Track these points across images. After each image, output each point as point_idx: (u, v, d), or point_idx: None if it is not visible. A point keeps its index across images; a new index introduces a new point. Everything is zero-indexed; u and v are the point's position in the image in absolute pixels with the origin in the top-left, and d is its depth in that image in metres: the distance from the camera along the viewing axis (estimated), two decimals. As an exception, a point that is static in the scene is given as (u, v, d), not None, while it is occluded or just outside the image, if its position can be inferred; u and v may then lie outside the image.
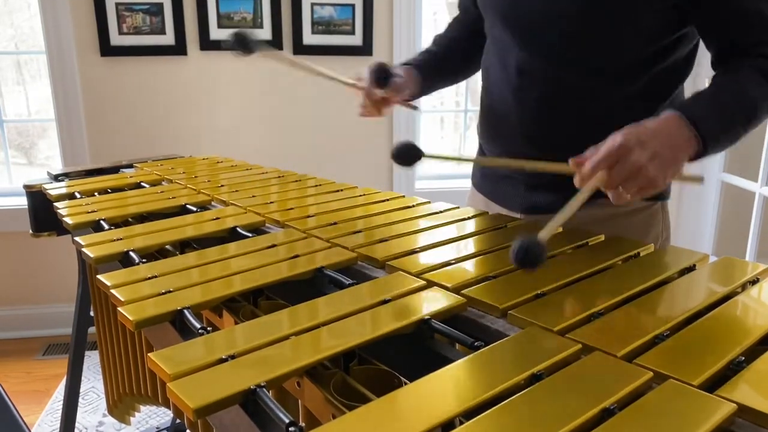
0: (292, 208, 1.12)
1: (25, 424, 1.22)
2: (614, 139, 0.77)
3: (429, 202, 1.14)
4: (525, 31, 0.98)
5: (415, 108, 1.20)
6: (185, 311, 0.67)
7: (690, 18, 0.91)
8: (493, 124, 1.09)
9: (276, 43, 2.55)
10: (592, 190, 0.77)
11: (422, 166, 2.96)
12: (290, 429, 0.47)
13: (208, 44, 2.51)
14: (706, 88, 0.88)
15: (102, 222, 1.08)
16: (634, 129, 0.79)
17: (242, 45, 1.04)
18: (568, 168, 0.81)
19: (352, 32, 2.59)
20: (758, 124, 0.88)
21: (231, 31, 1.04)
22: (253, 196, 1.22)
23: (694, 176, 0.84)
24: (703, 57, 0.99)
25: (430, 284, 0.73)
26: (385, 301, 0.68)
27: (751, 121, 0.87)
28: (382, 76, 1.03)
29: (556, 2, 0.92)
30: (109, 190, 1.38)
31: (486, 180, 1.17)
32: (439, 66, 1.20)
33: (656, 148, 0.77)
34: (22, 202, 1.68)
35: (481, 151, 1.18)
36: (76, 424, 1.74)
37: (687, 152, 0.81)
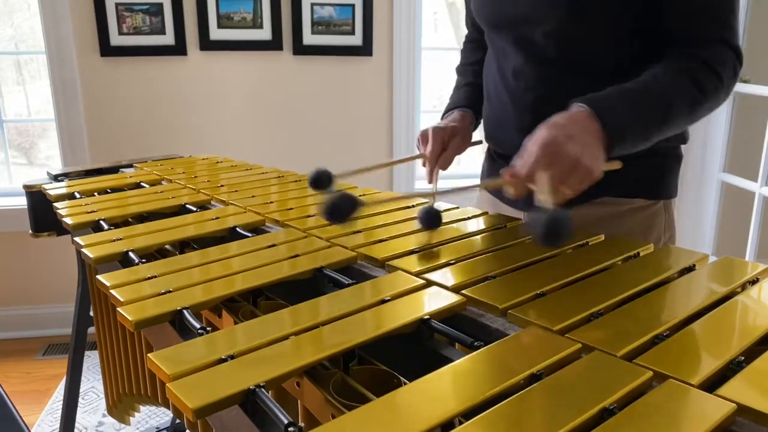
0: (292, 208, 1.12)
1: (25, 424, 1.22)
2: (540, 137, 0.75)
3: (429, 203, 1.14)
4: (516, 37, 0.99)
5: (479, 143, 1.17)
6: (185, 311, 0.67)
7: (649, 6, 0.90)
8: (495, 128, 1.10)
9: (276, 43, 2.55)
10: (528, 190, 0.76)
11: (422, 166, 2.96)
12: (290, 429, 0.47)
13: (208, 44, 2.51)
14: (625, 84, 0.86)
15: (102, 222, 1.08)
16: (554, 124, 0.77)
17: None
18: (503, 182, 0.78)
19: (352, 32, 2.59)
20: (675, 126, 0.86)
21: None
22: (253, 196, 1.22)
23: (612, 162, 0.82)
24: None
25: (430, 284, 0.73)
26: (384, 301, 0.68)
27: (667, 122, 0.84)
28: (433, 221, 0.97)
29: (537, 7, 0.93)
30: (109, 190, 1.38)
31: (491, 178, 1.17)
32: (481, 96, 1.15)
33: (582, 138, 0.76)
34: (22, 202, 1.68)
35: (489, 154, 1.18)
36: (76, 424, 1.74)
37: (602, 143, 0.79)
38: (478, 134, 1.16)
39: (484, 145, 1.19)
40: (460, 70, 1.24)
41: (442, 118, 1.15)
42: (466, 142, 1.10)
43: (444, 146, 1.04)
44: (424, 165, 1.08)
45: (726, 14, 0.88)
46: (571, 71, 0.95)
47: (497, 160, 1.14)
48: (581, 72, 0.95)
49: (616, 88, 0.84)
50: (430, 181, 1.05)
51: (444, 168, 1.05)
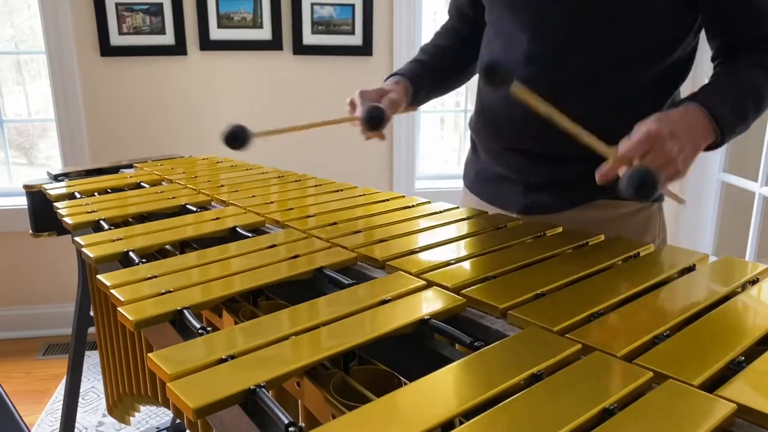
0: (292, 208, 1.12)
1: (25, 424, 1.22)
2: (648, 127, 0.78)
3: (429, 202, 1.14)
4: (533, 20, 0.97)
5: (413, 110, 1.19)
6: (185, 311, 0.67)
7: (699, 4, 0.92)
8: (492, 119, 1.07)
9: (276, 43, 2.55)
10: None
11: (422, 166, 2.97)
12: (290, 429, 0.47)
13: (208, 44, 2.51)
14: (715, 80, 0.90)
15: (102, 222, 1.08)
16: (665, 118, 0.81)
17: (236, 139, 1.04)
18: (605, 149, 0.81)
19: (352, 32, 2.59)
20: (764, 110, 0.91)
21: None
22: (253, 196, 1.22)
23: (679, 197, 0.86)
24: (701, 60, 1.00)
25: (430, 284, 0.73)
26: (384, 301, 0.68)
27: (760, 109, 0.89)
28: (375, 122, 1.00)
29: None
30: (109, 190, 1.38)
31: (480, 181, 1.15)
32: (432, 76, 1.18)
33: (684, 140, 0.80)
34: (22, 202, 1.68)
35: (474, 148, 1.17)
36: (76, 424, 1.74)
37: (705, 143, 0.85)
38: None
39: (467, 142, 1.19)
40: (422, 48, 1.24)
41: None
42: (397, 106, 1.08)
43: (372, 129, 1.03)
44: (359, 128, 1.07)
45: None
46: (588, 60, 0.95)
47: (486, 159, 1.13)
48: (597, 62, 0.94)
49: (708, 85, 0.89)
50: (366, 139, 1.08)
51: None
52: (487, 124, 1.10)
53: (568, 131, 0.83)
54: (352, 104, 1.06)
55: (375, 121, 0.98)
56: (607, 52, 0.94)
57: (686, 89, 1.02)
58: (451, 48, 1.20)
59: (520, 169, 1.05)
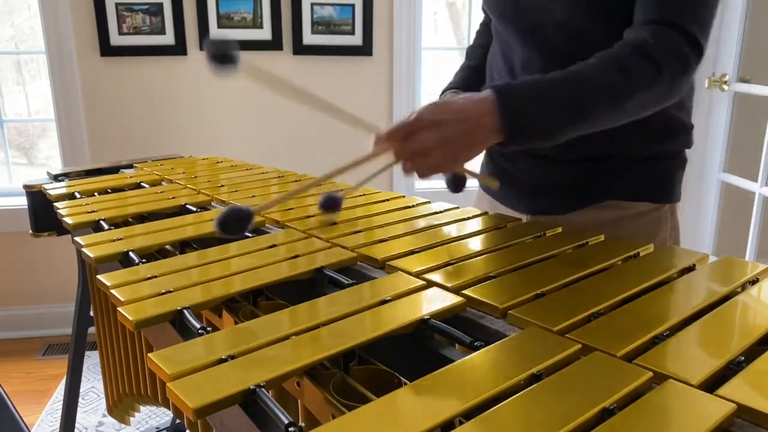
0: (292, 208, 1.12)
1: (25, 424, 1.22)
2: (419, 111, 0.76)
3: (429, 202, 1.14)
4: (525, 29, 0.97)
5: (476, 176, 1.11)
6: (185, 311, 0.67)
7: None
8: None
9: (276, 43, 2.55)
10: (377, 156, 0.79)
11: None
12: (290, 429, 0.47)
13: (208, 44, 2.51)
14: (551, 73, 0.80)
15: (102, 222, 1.08)
16: (441, 104, 0.77)
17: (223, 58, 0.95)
18: (370, 128, 0.81)
19: (352, 32, 2.59)
20: (599, 119, 0.80)
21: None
22: (253, 196, 1.22)
23: (491, 178, 0.82)
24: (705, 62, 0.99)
25: (430, 284, 0.73)
26: (384, 301, 0.68)
27: (582, 115, 0.78)
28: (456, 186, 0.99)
29: None
30: (109, 190, 1.38)
31: None
32: (482, 79, 1.15)
33: (450, 131, 0.75)
34: (22, 202, 1.68)
35: (488, 149, 1.18)
36: (76, 424, 1.74)
37: (486, 141, 0.77)
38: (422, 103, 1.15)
39: None
40: (468, 51, 1.23)
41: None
42: None
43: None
44: None
45: None
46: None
47: (497, 160, 1.14)
48: None
49: (539, 76, 0.80)
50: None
51: None
52: None
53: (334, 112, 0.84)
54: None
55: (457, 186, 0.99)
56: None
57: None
58: (489, 44, 1.17)
59: (527, 170, 1.05)
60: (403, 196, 1.20)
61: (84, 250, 0.92)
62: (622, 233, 0.92)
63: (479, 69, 1.15)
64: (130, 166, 1.68)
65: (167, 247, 0.97)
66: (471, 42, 1.27)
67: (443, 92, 1.15)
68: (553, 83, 0.79)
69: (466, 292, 0.70)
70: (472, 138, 0.77)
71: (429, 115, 0.76)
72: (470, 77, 1.16)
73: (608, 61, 0.80)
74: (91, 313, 1.37)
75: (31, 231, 1.56)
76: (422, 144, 0.75)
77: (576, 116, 0.78)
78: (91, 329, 1.44)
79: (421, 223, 1.01)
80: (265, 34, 2.53)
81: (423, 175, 0.78)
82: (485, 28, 1.23)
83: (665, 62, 0.79)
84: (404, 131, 0.76)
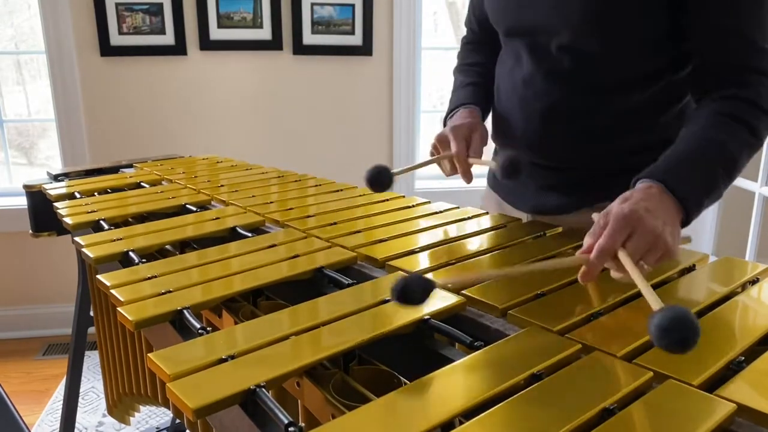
0: (292, 208, 1.12)
1: (25, 424, 1.22)
2: (619, 209, 0.68)
3: (429, 202, 1.14)
4: (531, 46, 0.98)
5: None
6: (185, 311, 0.67)
7: (685, 30, 0.87)
8: (502, 131, 1.09)
9: (276, 43, 2.55)
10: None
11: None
12: (290, 429, 0.47)
13: (208, 44, 2.51)
14: (682, 147, 0.80)
15: (102, 222, 1.08)
16: (629, 198, 0.71)
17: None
18: (577, 261, 0.68)
19: (352, 32, 2.59)
20: (738, 172, 0.82)
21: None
22: (253, 196, 1.22)
23: (684, 237, 0.79)
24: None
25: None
26: (384, 301, 0.68)
27: (732, 176, 0.80)
28: (513, 172, 0.93)
29: (557, 15, 0.92)
30: (109, 190, 1.38)
31: (498, 179, 1.16)
32: (489, 94, 1.12)
33: (662, 213, 0.70)
34: (22, 202, 1.67)
35: (496, 150, 1.18)
36: (76, 424, 1.74)
37: (679, 217, 0.74)
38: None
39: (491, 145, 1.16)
40: (461, 69, 1.21)
41: (445, 121, 1.11)
42: (486, 135, 1.04)
43: (468, 143, 0.99)
44: (445, 172, 1.05)
45: (755, 35, 0.83)
46: (582, 85, 0.94)
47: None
48: (591, 85, 0.93)
49: (673, 153, 0.80)
50: (468, 181, 1.00)
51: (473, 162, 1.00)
52: (499, 137, 1.11)
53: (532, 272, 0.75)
54: (442, 140, 1.01)
55: (512, 170, 0.93)
56: (600, 78, 0.93)
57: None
58: (491, 62, 1.15)
59: (531, 173, 1.05)
60: (403, 196, 1.20)
61: (84, 250, 0.92)
62: None
63: (482, 86, 1.14)
64: (130, 166, 1.68)
65: (167, 247, 0.97)
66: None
67: (450, 113, 1.11)
68: (699, 155, 0.79)
69: (466, 291, 0.70)
70: (675, 219, 0.72)
71: (638, 207, 0.68)
72: (478, 93, 1.13)
73: (732, 121, 0.81)
74: (91, 313, 1.37)
75: (31, 231, 1.56)
76: (654, 231, 0.67)
77: (728, 179, 0.80)
78: (91, 329, 1.44)
79: (421, 223, 1.01)
80: (265, 34, 2.53)
81: (654, 265, 0.69)
82: (470, 47, 1.22)
83: None
84: (625, 231, 0.66)
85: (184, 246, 0.99)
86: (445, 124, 1.09)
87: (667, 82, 0.93)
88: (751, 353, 0.54)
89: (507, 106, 1.05)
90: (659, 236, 0.67)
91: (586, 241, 0.68)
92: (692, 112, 0.88)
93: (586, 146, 0.95)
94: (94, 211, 1.13)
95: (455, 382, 0.52)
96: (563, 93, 0.95)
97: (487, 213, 1.07)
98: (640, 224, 0.66)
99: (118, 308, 0.69)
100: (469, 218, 1.03)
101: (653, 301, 0.55)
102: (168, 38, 2.48)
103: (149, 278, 0.78)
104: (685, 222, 0.75)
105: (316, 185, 1.33)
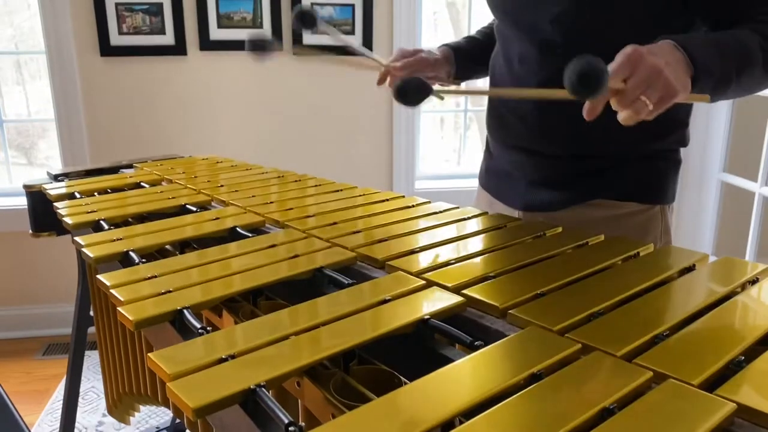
0: (291, 208, 1.12)
1: (25, 424, 1.22)
2: (624, 51, 0.72)
3: (429, 202, 1.14)
4: (521, 22, 0.99)
5: (449, 88, 1.24)
6: (185, 311, 0.67)
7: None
8: (498, 116, 1.10)
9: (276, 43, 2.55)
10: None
11: (422, 166, 2.97)
12: (290, 429, 0.47)
13: (208, 44, 2.51)
14: (698, 33, 0.85)
15: (102, 222, 1.08)
16: (637, 46, 0.74)
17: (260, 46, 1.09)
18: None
19: (352, 32, 2.59)
20: (752, 75, 0.84)
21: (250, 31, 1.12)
22: (253, 196, 1.22)
23: (701, 95, 0.79)
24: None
25: (430, 284, 0.73)
26: (384, 301, 0.68)
27: (745, 67, 0.82)
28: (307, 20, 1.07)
29: None
30: (109, 190, 1.38)
31: (489, 177, 1.18)
32: (481, 52, 1.20)
33: (667, 57, 0.74)
34: (22, 202, 1.67)
35: (487, 146, 1.19)
36: (76, 424, 1.74)
37: (686, 75, 0.77)
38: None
39: (467, 142, 1.22)
40: (480, 29, 1.30)
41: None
42: (431, 66, 1.17)
43: (406, 61, 1.14)
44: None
45: None
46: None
47: (496, 155, 1.14)
48: None
49: (694, 33, 0.84)
50: (379, 83, 1.21)
51: (400, 69, 1.15)
52: (494, 123, 1.12)
53: (533, 97, 0.81)
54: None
55: (307, 19, 1.06)
56: (595, 53, 0.93)
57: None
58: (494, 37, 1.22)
59: (523, 165, 1.06)
60: (403, 196, 1.20)
61: (84, 250, 0.92)
62: (612, 232, 0.92)
63: (477, 41, 1.25)
64: (130, 166, 1.68)
65: (167, 247, 0.97)
66: None
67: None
68: (717, 37, 0.82)
69: (466, 291, 0.70)
70: (680, 67, 0.76)
71: (642, 48, 0.72)
72: (469, 46, 1.24)
73: (750, 32, 0.83)
74: (91, 313, 1.37)
75: (30, 231, 1.56)
76: (654, 66, 0.71)
77: (740, 69, 0.81)
78: (91, 329, 1.44)
79: (421, 223, 1.01)
80: (265, 34, 2.53)
81: (659, 105, 0.73)
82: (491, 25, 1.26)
83: None
84: (628, 64, 0.71)
85: (184, 246, 0.99)
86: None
87: None
88: (751, 353, 0.54)
89: (501, 86, 1.07)
90: (660, 72, 0.71)
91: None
92: None
93: (582, 126, 0.95)
94: (94, 211, 1.13)
95: (455, 382, 0.52)
96: (557, 70, 0.96)
97: (486, 213, 1.07)
98: (642, 60, 0.71)
99: (118, 308, 0.69)
100: (469, 218, 1.03)
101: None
102: (168, 38, 2.48)
103: (149, 278, 0.78)
104: (695, 81, 0.77)
105: (316, 185, 1.33)
